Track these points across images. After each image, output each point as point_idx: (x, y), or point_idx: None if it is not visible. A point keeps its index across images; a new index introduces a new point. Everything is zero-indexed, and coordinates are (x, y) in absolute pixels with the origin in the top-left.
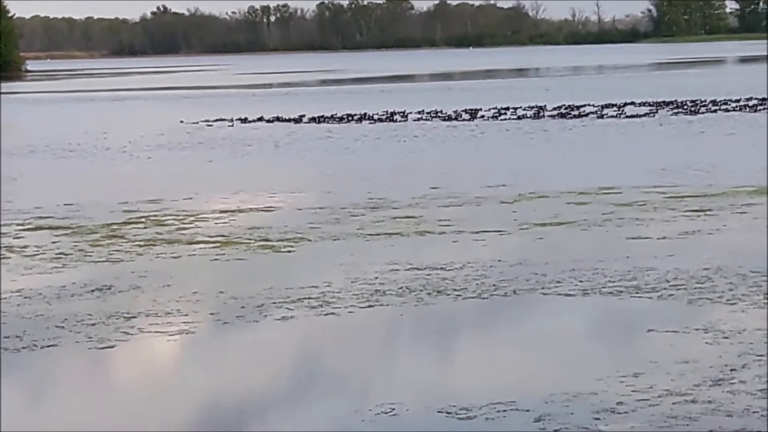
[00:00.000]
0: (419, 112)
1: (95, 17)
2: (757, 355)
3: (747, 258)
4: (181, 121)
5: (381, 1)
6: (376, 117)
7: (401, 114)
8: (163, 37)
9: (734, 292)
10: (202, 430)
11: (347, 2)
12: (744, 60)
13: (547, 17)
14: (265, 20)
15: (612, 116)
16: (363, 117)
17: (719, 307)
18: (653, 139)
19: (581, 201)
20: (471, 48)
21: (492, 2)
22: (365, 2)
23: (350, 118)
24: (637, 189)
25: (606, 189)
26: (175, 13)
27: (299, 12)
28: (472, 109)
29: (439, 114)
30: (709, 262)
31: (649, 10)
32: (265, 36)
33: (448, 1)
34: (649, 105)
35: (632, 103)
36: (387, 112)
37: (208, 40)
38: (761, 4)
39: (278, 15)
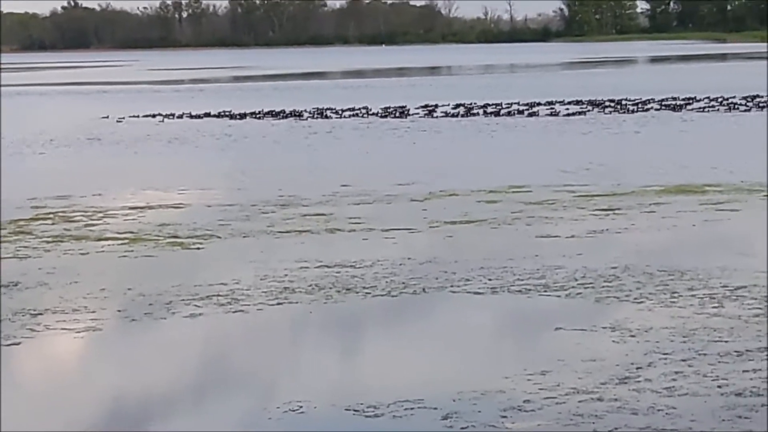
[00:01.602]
0: (350, 109)
1: (4, 11)
2: (663, 354)
3: (654, 257)
4: (105, 117)
5: None
6: (306, 114)
7: (333, 111)
8: (74, 32)
9: (641, 290)
10: (107, 429)
11: None
12: (655, 60)
13: (459, 15)
14: (177, 16)
15: (547, 114)
16: (296, 114)
17: (626, 306)
18: (572, 138)
19: (491, 199)
20: (384, 46)
21: (405, 0)
22: None
23: (287, 115)
24: (547, 187)
25: (516, 187)
26: (86, 8)
27: (211, 8)
28: (402, 107)
29: (371, 111)
30: (616, 260)
31: (561, 10)
32: (177, 32)
33: None
34: (581, 103)
35: (561, 102)
36: (317, 108)
37: (119, 36)
38: (671, 4)
39: (190, 11)
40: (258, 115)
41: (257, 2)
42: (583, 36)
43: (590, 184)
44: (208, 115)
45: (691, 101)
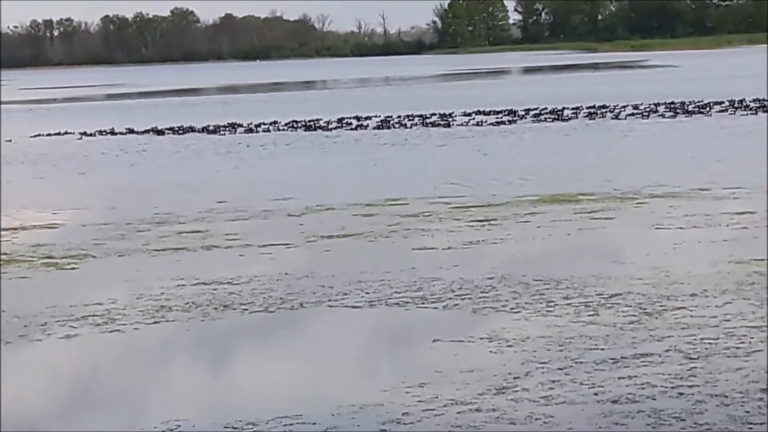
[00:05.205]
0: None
1: None
2: (540, 363)
3: (530, 266)
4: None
5: (166, 15)
6: (221, 129)
7: (251, 126)
8: None
9: (518, 300)
10: None
11: (132, 15)
12: (528, 70)
13: (333, 29)
14: (48, 34)
15: (474, 124)
16: (207, 129)
17: (503, 316)
18: (463, 150)
19: (368, 213)
20: (258, 61)
21: (278, 15)
22: (150, 15)
23: (185, 130)
24: (423, 200)
25: (392, 200)
26: None
27: (83, 26)
28: (316, 120)
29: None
30: (493, 271)
31: (434, 22)
32: (49, 50)
33: (234, 14)
34: (501, 113)
35: (480, 111)
36: (232, 123)
37: None
38: (543, 15)
39: (62, 29)
40: (158, 132)
41: (129, 19)
42: (456, 48)
43: (466, 195)
44: (84, 134)
45: (612, 109)
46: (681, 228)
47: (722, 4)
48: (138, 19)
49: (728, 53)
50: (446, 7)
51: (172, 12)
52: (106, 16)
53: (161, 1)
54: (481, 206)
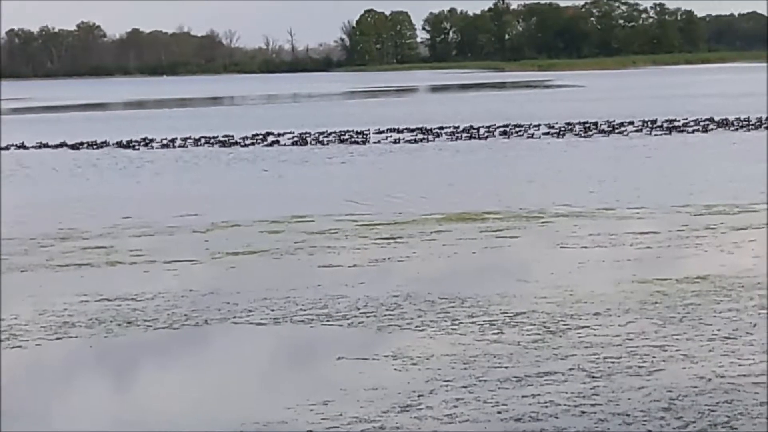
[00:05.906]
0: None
1: None
2: (444, 381)
3: (435, 284)
4: None
5: (72, 29)
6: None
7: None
8: None
9: (423, 318)
10: None
11: (37, 29)
12: (436, 89)
13: (241, 46)
14: None
15: (391, 142)
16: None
17: (408, 334)
18: (372, 167)
19: (274, 230)
20: (165, 76)
21: (186, 30)
22: (56, 29)
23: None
24: (330, 217)
25: (299, 217)
26: None
27: None
28: (227, 136)
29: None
30: (398, 289)
31: (342, 40)
32: None
33: (141, 29)
34: (414, 131)
35: (395, 129)
36: (146, 138)
37: None
38: (451, 34)
39: None
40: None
41: (35, 33)
42: (364, 65)
43: (373, 213)
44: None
45: (527, 128)
46: (585, 247)
47: (628, 25)
48: (43, 32)
49: (633, 73)
50: (354, 24)
51: (78, 26)
52: (11, 30)
53: (70, 1)
54: (387, 224)
